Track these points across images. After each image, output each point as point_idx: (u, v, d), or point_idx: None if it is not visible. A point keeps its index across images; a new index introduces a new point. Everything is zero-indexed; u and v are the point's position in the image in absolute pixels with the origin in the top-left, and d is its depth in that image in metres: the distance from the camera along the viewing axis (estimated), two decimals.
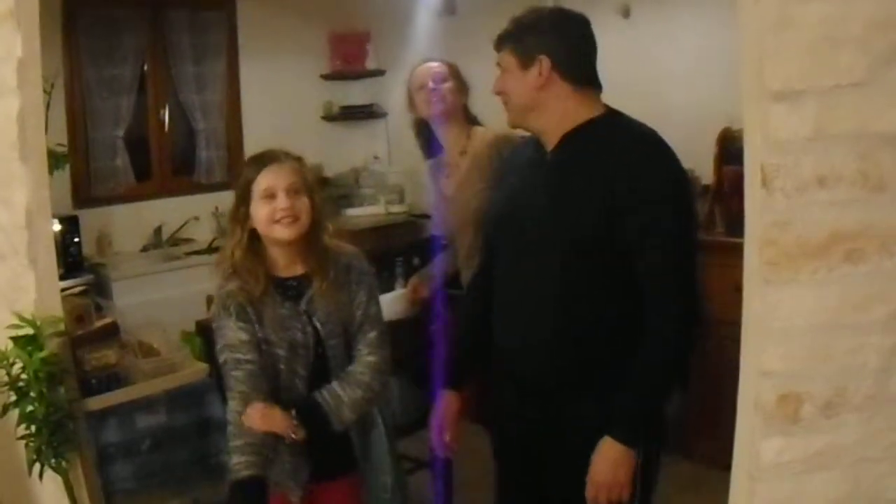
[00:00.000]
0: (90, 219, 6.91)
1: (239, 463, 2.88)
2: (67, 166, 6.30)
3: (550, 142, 2.96)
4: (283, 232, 2.98)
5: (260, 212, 2.99)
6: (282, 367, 3.07)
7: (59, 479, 3.50)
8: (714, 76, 4.94)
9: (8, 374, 3.39)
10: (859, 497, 1.96)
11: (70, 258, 6.33)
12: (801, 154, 1.78)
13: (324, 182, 7.91)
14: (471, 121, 4.36)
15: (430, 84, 4.25)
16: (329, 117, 8.48)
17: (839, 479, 1.94)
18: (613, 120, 2.98)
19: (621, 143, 2.88)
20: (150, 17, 7.38)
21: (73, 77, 6.91)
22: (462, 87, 4.30)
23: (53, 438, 3.39)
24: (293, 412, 2.96)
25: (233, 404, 2.96)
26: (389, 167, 8.39)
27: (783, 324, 1.87)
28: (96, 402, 3.64)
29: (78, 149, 6.93)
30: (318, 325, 3.09)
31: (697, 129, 5.41)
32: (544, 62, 2.87)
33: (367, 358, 3.12)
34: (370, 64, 8.44)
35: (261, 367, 3.00)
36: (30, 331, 3.37)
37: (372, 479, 3.38)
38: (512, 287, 3.06)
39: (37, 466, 3.43)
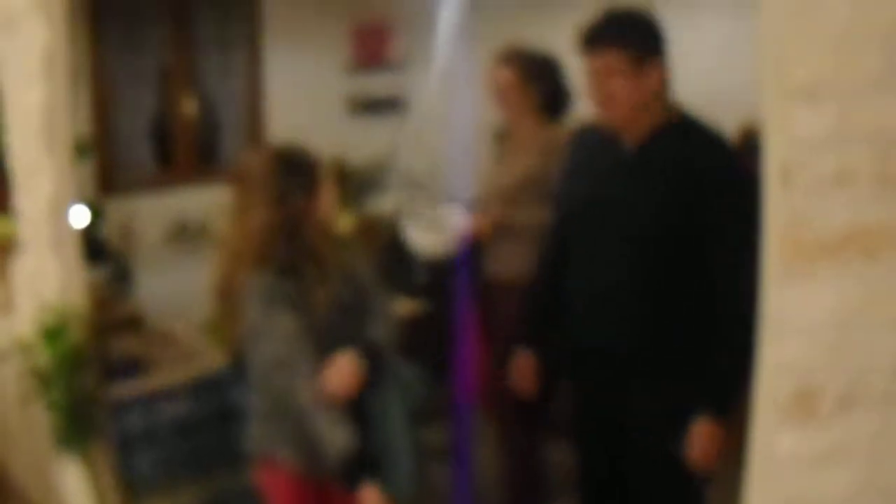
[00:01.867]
0: (114, 208, 6.93)
1: (348, 433, 2.86)
2: (92, 156, 6.31)
3: (634, 137, 3.05)
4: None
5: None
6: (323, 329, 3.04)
7: (82, 466, 3.53)
8: (736, 71, 4.93)
9: (32, 362, 3.42)
10: (874, 491, 1.97)
11: (94, 247, 6.35)
12: (820, 152, 1.79)
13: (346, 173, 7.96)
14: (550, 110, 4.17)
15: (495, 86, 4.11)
16: (352, 109, 8.48)
17: (854, 473, 1.95)
18: (692, 121, 3.11)
19: (703, 146, 3.03)
20: (175, 8, 7.39)
21: (97, 67, 6.93)
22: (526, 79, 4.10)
23: (77, 426, 3.42)
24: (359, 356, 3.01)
25: (307, 393, 2.88)
26: (412, 159, 8.39)
27: (800, 319, 1.88)
28: (119, 390, 3.66)
29: (102, 138, 6.95)
30: (345, 298, 3.07)
31: (718, 126, 5.41)
32: (659, 64, 3.00)
33: (385, 313, 3.23)
34: (394, 56, 8.43)
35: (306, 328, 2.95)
36: (54, 319, 3.40)
37: (390, 466, 3.38)
38: (593, 271, 3.16)
39: (60, 454, 3.46)
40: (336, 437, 2.84)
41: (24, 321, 3.65)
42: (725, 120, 5.29)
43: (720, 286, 2.90)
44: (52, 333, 3.37)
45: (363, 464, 2.88)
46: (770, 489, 1.99)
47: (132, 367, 3.75)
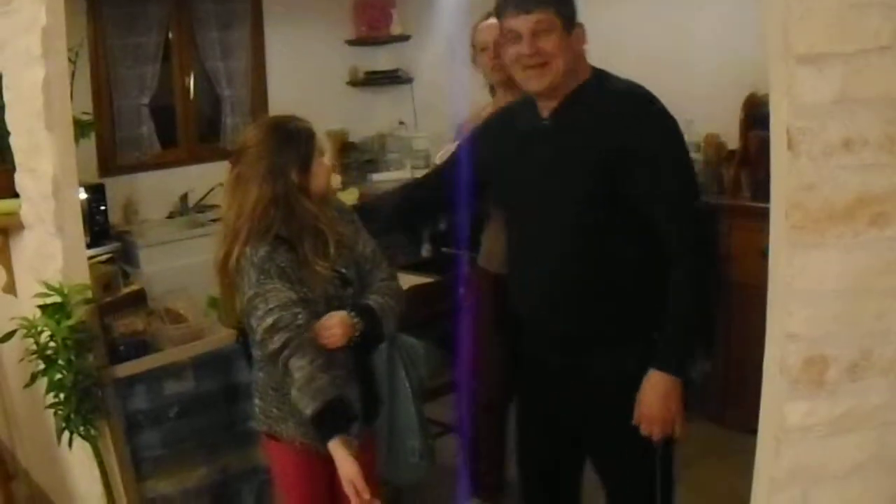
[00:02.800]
0: (116, 187, 6.92)
1: (332, 380, 2.86)
2: (93, 135, 6.28)
3: (550, 105, 3.00)
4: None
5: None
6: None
7: (87, 446, 3.54)
8: (739, 41, 4.90)
9: (36, 342, 3.41)
10: (884, 458, 1.96)
11: (96, 226, 6.34)
12: (826, 118, 1.78)
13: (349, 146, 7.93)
14: None
15: (492, 49, 3.98)
16: (354, 83, 8.45)
17: (864, 442, 1.94)
18: (602, 79, 3.02)
19: (615, 102, 2.95)
20: None
21: (97, 46, 6.90)
22: None
23: (82, 406, 3.42)
24: (350, 311, 3.02)
25: (304, 361, 2.85)
26: (415, 132, 8.36)
27: (809, 287, 1.87)
28: (124, 370, 3.66)
29: (103, 117, 6.92)
30: (343, 271, 3.08)
31: (723, 95, 5.38)
32: (581, 27, 2.92)
33: (388, 282, 3.19)
34: (395, 29, 8.39)
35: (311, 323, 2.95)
36: (57, 299, 3.39)
37: (399, 443, 3.38)
38: (527, 245, 3.13)
39: (66, 434, 3.46)
40: (316, 388, 2.84)
41: (29, 302, 3.64)
42: (732, 90, 5.29)
43: (665, 236, 2.85)
44: (56, 313, 3.37)
45: (334, 418, 2.84)
46: (780, 458, 1.98)
47: (137, 345, 3.74)
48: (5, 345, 3.73)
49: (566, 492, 3.40)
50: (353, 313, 3.01)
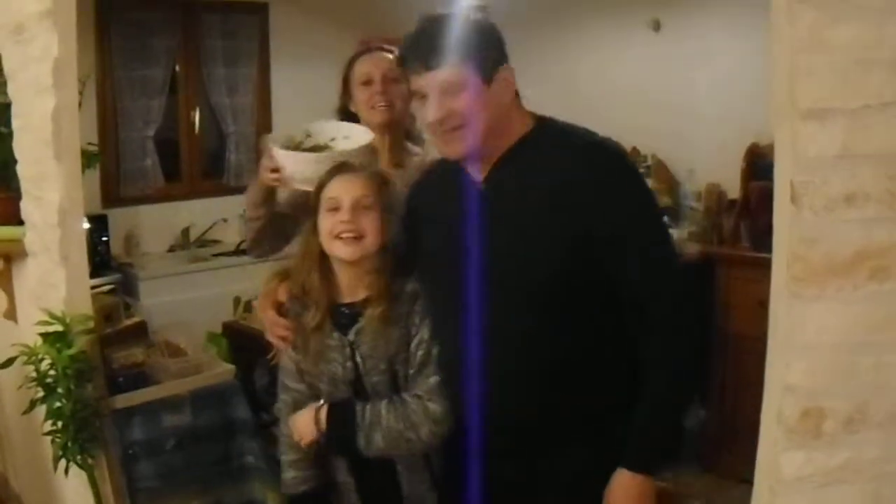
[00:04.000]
0: (119, 218, 6.96)
1: (295, 478, 2.85)
2: (98, 165, 6.31)
3: (483, 167, 2.53)
4: (342, 250, 2.65)
5: (323, 224, 2.69)
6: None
7: (83, 475, 3.54)
8: (742, 92, 4.95)
9: (37, 369, 3.42)
10: None
11: (98, 257, 6.37)
12: (829, 172, 1.79)
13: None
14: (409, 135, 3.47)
15: (379, 83, 3.32)
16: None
17: (860, 494, 1.95)
18: (548, 131, 2.55)
19: (569, 160, 2.47)
20: (183, 20, 7.41)
21: (104, 77, 6.95)
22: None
23: (79, 435, 3.42)
24: (320, 406, 2.73)
25: (283, 428, 2.88)
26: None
27: (808, 339, 1.88)
28: (123, 401, 3.68)
29: (108, 149, 6.96)
30: (359, 359, 2.71)
31: (725, 144, 5.42)
32: (507, 73, 2.46)
33: (426, 403, 2.65)
34: None
35: (308, 397, 2.81)
36: (59, 328, 3.40)
37: None
38: (462, 333, 2.53)
39: (62, 463, 3.46)
40: (286, 479, 2.88)
41: (29, 329, 3.65)
42: (734, 140, 5.33)
43: (639, 306, 2.44)
44: (57, 341, 3.38)
45: None
46: None
47: (136, 377, 3.75)
48: (3, 371, 3.74)
49: None
50: (324, 409, 2.73)
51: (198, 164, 7.75)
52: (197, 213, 7.52)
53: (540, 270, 2.43)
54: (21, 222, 4.06)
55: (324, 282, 2.73)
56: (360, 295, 2.72)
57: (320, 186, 2.73)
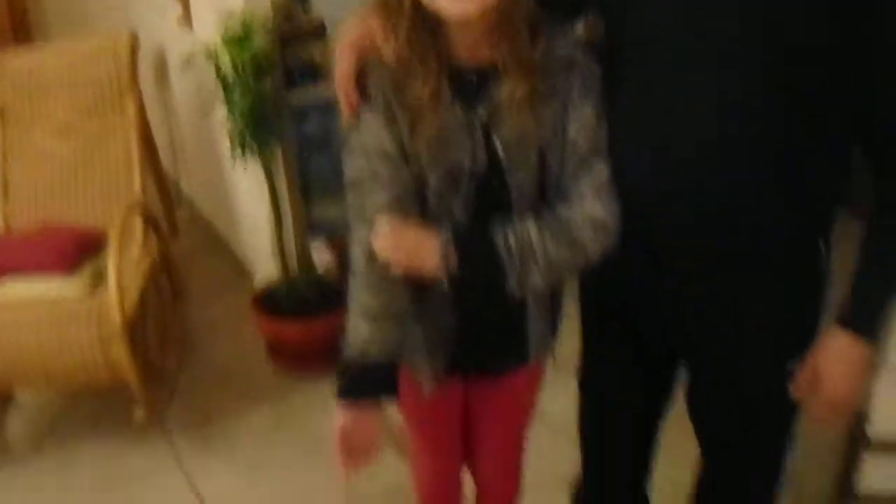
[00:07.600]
0: None
1: (371, 341, 1.89)
2: None
3: None
4: (450, 6, 1.71)
5: None
6: (431, 203, 1.92)
7: (257, 170, 3.72)
8: None
9: (217, 67, 3.55)
10: None
11: None
12: None
13: None
14: None
15: None
16: None
17: None
18: None
19: None
20: None
21: None
22: None
23: (257, 130, 3.57)
24: (447, 238, 1.84)
25: (361, 246, 1.89)
26: None
27: None
28: (298, 97, 3.79)
29: None
30: (498, 147, 1.87)
31: None
32: None
33: (590, 206, 1.87)
34: None
35: (408, 191, 1.89)
36: (238, 27, 3.49)
37: None
38: (669, 118, 1.84)
39: (239, 156, 3.63)
40: (355, 336, 1.91)
41: (207, 32, 3.73)
42: None
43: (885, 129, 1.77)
44: (236, 40, 3.49)
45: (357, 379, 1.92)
46: None
47: (313, 74, 3.80)
48: (176, 80, 3.83)
49: (639, 444, 2.41)
50: (451, 243, 1.83)
51: None
52: None
53: (774, 40, 1.69)
54: None
55: (431, 41, 1.83)
56: (487, 57, 1.85)
57: None
